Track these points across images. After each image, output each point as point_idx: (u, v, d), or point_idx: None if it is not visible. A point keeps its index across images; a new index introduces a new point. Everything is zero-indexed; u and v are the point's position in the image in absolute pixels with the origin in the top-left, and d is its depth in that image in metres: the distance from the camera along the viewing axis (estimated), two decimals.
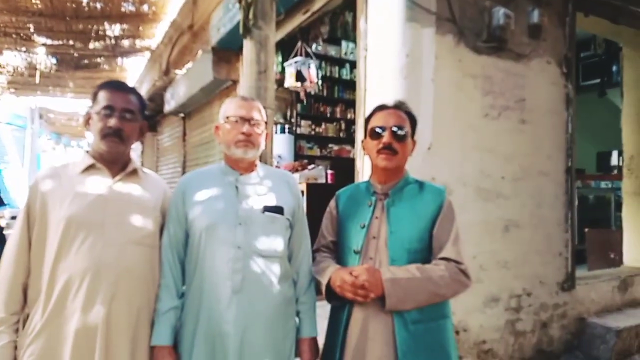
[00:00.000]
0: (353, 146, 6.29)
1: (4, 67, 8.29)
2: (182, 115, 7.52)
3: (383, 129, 1.54)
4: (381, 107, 1.62)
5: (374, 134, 1.56)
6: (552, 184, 3.40)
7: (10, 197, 11.03)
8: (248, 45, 2.80)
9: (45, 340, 1.38)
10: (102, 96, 1.51)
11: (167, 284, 1.52)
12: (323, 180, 4.62)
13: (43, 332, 1.38)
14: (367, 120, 1.63)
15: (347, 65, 6.71)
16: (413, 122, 1.62)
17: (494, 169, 3.07)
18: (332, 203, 1.73)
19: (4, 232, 7.76)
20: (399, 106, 1.61)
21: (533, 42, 3.23)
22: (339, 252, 1.64)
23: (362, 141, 1.66)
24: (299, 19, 3.91)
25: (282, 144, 5.75)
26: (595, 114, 6.64)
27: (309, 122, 6.47)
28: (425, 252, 1.50)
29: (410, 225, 1.51)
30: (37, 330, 1.38)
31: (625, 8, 3.76)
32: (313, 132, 6.48)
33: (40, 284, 1.41)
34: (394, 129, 1.53)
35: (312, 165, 4.92)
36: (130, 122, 1.53)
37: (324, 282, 1.54)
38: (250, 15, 2.69)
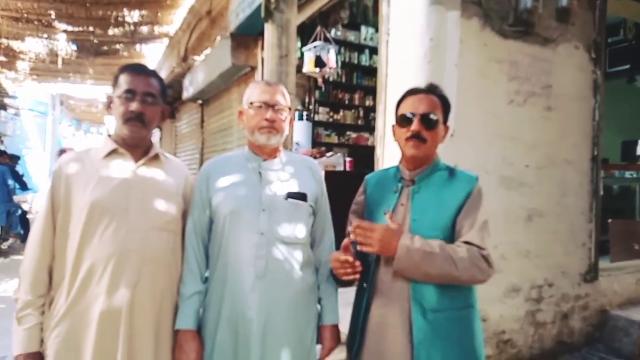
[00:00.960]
0: (371, 134, 6.25)
1: (26, 54, 8.42)
2: (200, 102, 7.56)
3: (413, 115, 1.47)
4: (412, 92, 1.54)
5: (403, 120, 1.50)
6: (577, 172, 3.32)
7: (32, 182, 11.29)
8: (269, 29, 2.77)
9: (70, 322, 1.40)
10: (124, 80, 1.50)
11: (191, 268, 1.53)
12: (341, 168, 4.59)
13: (68, 315, 1.40)
14: (398, 105, 1.57)
15: (367, 51, 6.60)
16: (446, 106, 1.54)
17: (518, 157, 3.01)
18: (360, 188, 1.69)
19: (27, 216, 7.95)
20: (432, 90, 1.53)
21: (561, 26, 3.12)
22: None
23: (393, 126, 1.60)
24: (319, 3, 3.86)
25: (300, 131, 5.72)
26: (622, 101, 6.44)
27: (327, 109, 6.41)
28: (448, 241, 1.44)
29: (434, 213, 1.46)
30: (62, 313, 1.40)
31: None
32: (331, 119, 6.43)
33: (64, 268, 1.43)
34: (424, 115, 1.46)
35: (331, 153, 4.89)
36: (152, 105, 1.51)
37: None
38: None
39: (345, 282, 1.48)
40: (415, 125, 1.46)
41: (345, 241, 1.43)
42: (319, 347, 1.62)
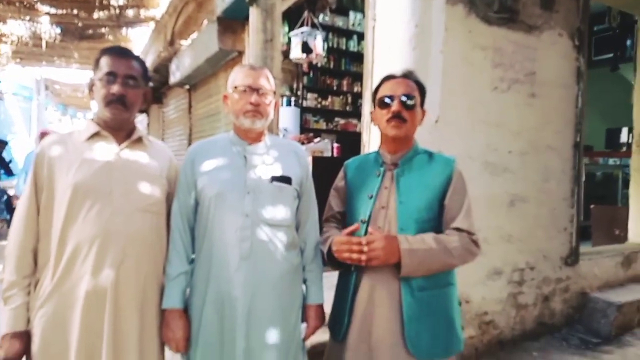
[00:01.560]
0: (359, 120, 6.27)
1: (8, 37, 8.23)
2: (187, 87, 7.47)
3: (392, 98, 1.53)
4: (389, 77, 1.60)
5: (382, 104, 1.55)
6: (560, 159, 3.39)
7: (18, 168, 11.13)
8: (254, 13, 2.75)
9: (56, 302, 1.41)
10: (104, 62, 1.50)
11: (177, 249, 1.55)
12: (329, 154, 4.62)
13: (53, 295, 1.41)
14: (376, 91, 1.62)
15: (355, 37, 6.58)
16: (422, 91, 1.60)
17: (502, 143, 3.05)
18: (340, 173, 1.74)
19: (14, 201, 7.84)
20: (408, 75, 1.60)
21: (545, 13, 3.15)
22: (346, 223, 1.64)
23: (371, 112, 1.65)
24: None
25: (288, 117, 5.72)
26: (607, 89, 6.53)
27: (315, 95, 6.40)
28: (433, 222, 1.51)
29: (419, 195, 1.51)
30: (48, 293, 1.41)
31: None
32: (319, 105, 6.42)
33: (49, 249, 1.44)
34: (403, 98, 1.52)
35: (318, 139, 4.90)
36: (134, 88, 1.52)
37: (324, 250, 1.57)
38: None
39: (341, 264, 1.53)
40: (395, 106, 1.51)
41: (354, 226, 1.48)
42: (304, 325, 1.66)
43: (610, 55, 6.30)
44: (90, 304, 1.40)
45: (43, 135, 5.00)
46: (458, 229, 1.49)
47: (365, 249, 1.40)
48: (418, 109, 1.57)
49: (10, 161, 8.65)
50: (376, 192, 1.55)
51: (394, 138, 1.55)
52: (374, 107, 1.62)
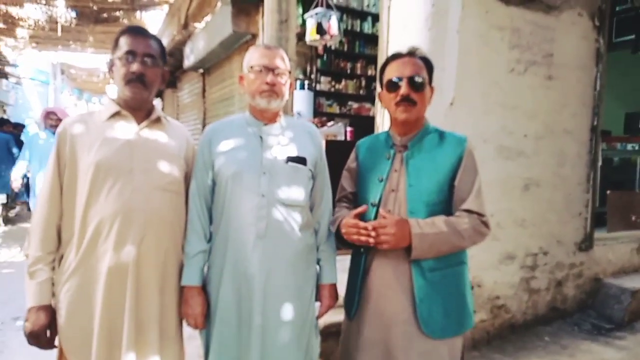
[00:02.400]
0: (373, 104, 6.22)
1: (25, 21, 8.30)
2: (201, 71, 7.49)
3: (400, 79, 1.49)
4: (395, 56, 1.56)
5: (390, 85, 1.52)
6: (576, 143, 3.34)
7: None
8: None
9: (80, 277, 1.46)
10: (124, 42, 1.52)
11: (195, 228, 1.58)
12: (342, 138, 4.61)
13: (77, 270, 1.46)
14: (382, 71, 1.59)
15: (369, 19, 6.48)
16: (429, 68, 1.56)
17: (517, 126, 3.02)
18: (352, 154, 1.73)
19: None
20: (414, 53, 1.55)
21: None
22: (357, 204, 1.64)
23: (379, 94, 1.61)
24: None
25: (301, 101, 5.70)
26: (627, 72, 6.36)
27: (329, 79, 6.36)
28: (444, 204, 1.50)
29: (429, 178, 1.50)
30: (72, 269, 1.46)
31: None
32: (333, 89, 6.38)
33: (73, 226, 1.48)
34: (411, 78, 1.48)
35: (332, 122, 4.89)
36: (152, 67, 1.54)
37: (333, 229, 1.59)
38: None
39: (351, 244, 1.54)
40: (404, 89, 1.48)
41: (361, 208, 1.49)
42: (317, 304, 1.69)
43: (632, 36, 6.12)
44: (112, 280, 1.45)
45: (48, 114, 4.90)
46: (468, 211, 1.47)
47: (373, 233, 1.41)
48: (427, 88, 1.53)
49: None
50: (386, 175, 1.54)
51: (405, 121, 1.52)
52: (382, 88, 1.59)
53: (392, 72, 1.52)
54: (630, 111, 6.64)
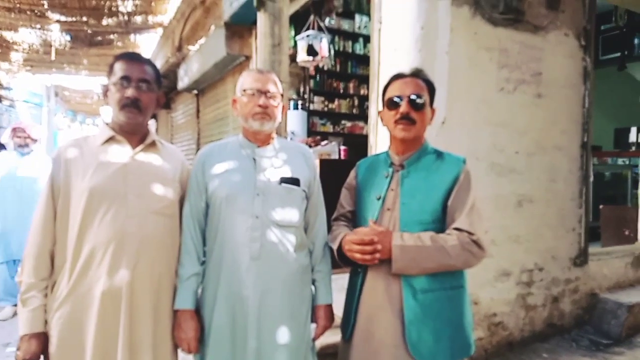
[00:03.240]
0: (366, 122, 6.27)
1: (19, 45, 8.36)
2: (195, 92, 7.55)
3: (400, 98, 1.51)
4: (398, 76, 1.58)
5: (391, 104, 1.53)
6: (567, 159, 3.38)
7: None
8: (262, 18, 2.79)
9: (72, 303, 1.45)
10: (119, 67, 1.54)
11: (188, 251, 1.58)
12: (336, 156, 4.63)
13: (70, 297, 1.45)
14: (384, 90, 1.60)
15: (361, 40, 6.60)
16: (431, 90, 1.58)
17: (508, 143, 3.06)
18: (352, 173, 1.74)
19: None
20: (417, 74, 1.57)
21: (551, 13, 3.15)
22: (355, 222, 1.65)
23: (379, 112, 1.63)
24: None
25: (295, 120, 5.75)
26: (614, 88, 6.49)
27: (322, 99, 6.43)
28: (438, 224, 1.48)
29: (423, 197, 1.49)
30: (64, 295, 1.45)
31: None
32: (326, 109, 6.45)
33: (66, 252, 1.48)
34: (412, 97, 1.50)
35: (325, 141, 4.93)
36: (147, 92, 1.55)
37: (334, 247, 1.57)
38: None
39: (350, 263, 1.53)
40: (404, 107, 1.49)
41: (368, 228, 1.48)
42: (313, 326, 1.68)
43: (618, 54, 6.26)
44: (106, 305, 1.43)
45: (15, 131, 4.02)
46: (458, 229, 1.44)
47: (379, 247, 1.41)
48: (427, 108, 1.54)
49: None
50: (384, 194, 1.55)
51: (403, 140, 1.53)
52: (383, 107, 1.60)
53: (394, 91, 1.54)
54: (619, 126, 6.75)
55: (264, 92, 1.59)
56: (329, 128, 6.40)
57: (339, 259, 1.58)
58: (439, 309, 1.46)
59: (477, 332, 2.93)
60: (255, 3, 2.79)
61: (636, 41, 5.94)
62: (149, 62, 1.61)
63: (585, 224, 3.50)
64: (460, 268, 1.49)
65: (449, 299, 1.49)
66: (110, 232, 1.45)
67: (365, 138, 3.34)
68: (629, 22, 5.91)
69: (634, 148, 6.22)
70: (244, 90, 1.61)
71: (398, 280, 1.45)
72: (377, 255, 1.42)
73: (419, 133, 1.54)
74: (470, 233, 1.44)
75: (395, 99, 1.52)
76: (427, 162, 1.56)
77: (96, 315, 1.43)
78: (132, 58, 1.57)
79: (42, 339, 1.46)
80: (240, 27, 5.02)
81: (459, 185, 1.49)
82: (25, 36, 7.91)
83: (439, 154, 1.58)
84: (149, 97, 1.56)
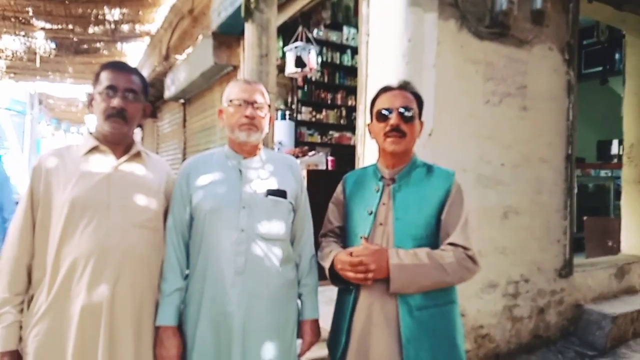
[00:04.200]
0: (354, 133, 6.29)
1: (2, 52, 8.24)
2: (182, 101, 7.51)
3: (390, 110, 1.49)
4: (386, 89, 1.57)
5: (380, 117, 1.52)
6: (552, 171, 3.42)
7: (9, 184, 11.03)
8: (249, 29, 2.79)
9: (51, 320, 1.40)
10: (105, 76, 1.50)
11: (171, 265, 1.54)
12: (324, 167, 4.63)
13: (48, 313, 1.40)
14: (373, 103, 1.59)
15: (349, 52, 6.66)
16: (420, 102, 1.57)
17: (494, 155, 3.08)
18: (339, 187, 1.70)
19: None
20: (405, 86, 1.57)
21: (536, 28, 3.21)
22: (345, 238, 1.62)
23: (368, 125, 1.62)
24: (300, 3, 3.89)
25: (282, 131, 5.75)
26: (597, 102, 6.63)
27: (310, 109, 6.45)
28: (431, 238, 1.47)
29: (417, 211, 1.48)
30: (42, 311, 1.40)
31: None
32: (314, 119, 6.46)
33: (44, 266, 1.43)
34: (401, 110, 1.49)
35: (313, 152, 4.92)
36: (134, 102, 1.52)
37: (326, 266, 1.54)
38: None
39: (342, 281, 1.49)
40: (394, 120, 1.48)
41: (361, 246, 1.45)
42: (299, 341, 1.65)
43: (600, 68, 6.41)
44: (85, 321, 1.38)
45: None
46: (453, 244, 1.44)
47: (373, 267, 1.38)
48: (416, 120, 1.54)
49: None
50: (376, 208, 1.52)
51: (393, 153, 1.52)
52: (371, 119, 1.59)
53: (383, 104, 1.53)
54: (602, 139, 6.88)
55: (250, 103, 1.57)
56: (317, 138, 6.41)
57: (330, 278, 1.55)
58: (434, 326, 1.44)
59: (464, 345, 2.92)
60: (243, 13, 2.79)
61: (617, 56, 6.09)
62: (136, 71, 1.58)
63: (570, 235, 3.54)
64: (454, 284, 1.48)
65: (443, 315, 1.48)
66: (91, 245, 1.41)
67: (352, 148, 3.35)
68: (610, 37, 6.06)
69: (616, 160, 6.34)
70: (231, 101, 1.59)
71: (394, 298, 1.42)
72: (371, 275, 1.39)
73: (408, 146, 1.53)
74: (465, 248, 1.43)
75: (385, 112, 1.51)
76: (417, 175, 1.54)
77: (75, 332, 1.38)
78: (119, 67, 1.54)
79: (16, 357, 1.41)
80: (228, 37, 5.02)
81: (452, 200, 1.48)
82: (9, 43, 7.81)
83: (429, 168, 1.57)
84: (135, 107, 1.53)
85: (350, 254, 1.42)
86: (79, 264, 1.40)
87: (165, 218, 1.60)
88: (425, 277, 1.39)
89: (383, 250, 1.41)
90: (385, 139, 1.50)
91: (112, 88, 1.49)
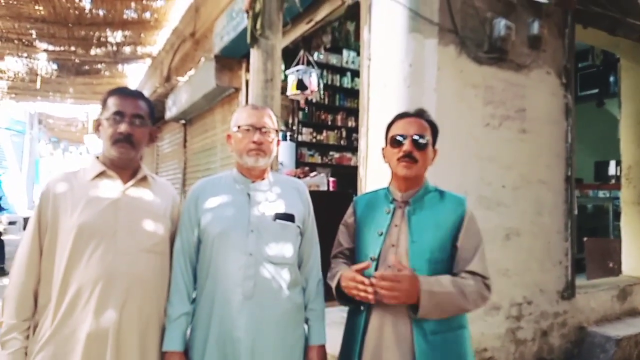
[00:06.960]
0: (354, 154, 6.34)
1: (4, 73, 8.32)
2: (183, 122, 7.55)
3: (404, 137, 1.53)
4: (402, 115, 1.61)
5: (394, 142, 1.55)
6: (552, 192, 3.44)
7: (8, 203, 11.01)
8: (255, 55, 2.84)
9: (56, 346, 1.38)
10: (112, 102, 1.53)
11: (179, 289, 1.54)
12: (325, 188, 4.63)
13: (53, 339, 1.39)
14: (388, 128, 1.63)
15: (348, 74, 6.77)
16: (434, 130, 1.60)
17: (495, 177, 3.10)
18: (349, 210, 1.73)
19: (2, 237, 7.70)
20: (421, 114, 1.60)
21: (533, 52, 3.28)
22: (355, 259, 1.62)
23: (383, 148, 1.65)
24: (302, 29, 3.96)
25: (283, 151, 5.77)
26: (593, 124, 6.71)
27: (310, 130, 6.51)
28: (445, 263, 1.49)
29: (432, 235, 1.49)
30: (47, 337, 1.39)
31: (623, 20, 3.82)
32: (314, 140, 6.51)
33: (50, 291, 1.42)
34: (415, 137, 1.52)
35: (314, 173, 4.93)
36: (140, 127, 1.54)
37: (333, 285, 1.55)
38: (258, 25, 2.74)
39: (350, 301, 1.50)
40: (407, 146, 1.51)
41: (364, 264, 1.46)
42: None
43: (595, 90, 6.51)
44: (91, 347, 1.38)
45: None
46: (472, 273, 1.46)
47: (370, 289, 1.38)
48: (430, 148, 1.56)
49: (1, 197, 8.56)
50: (386, 229, 1.54)
51: (405, 177, 1.54)
52: (386, 144, 1.62)
53: (398, 130, 1.56)
54: (599, 159, 6.93)
55: (258, 128, 1.59)
56: (317, 159, 6.45)
57: (338, 298, 1.55)
58: (447, 351, 1.45)
59: None
60: (248, 40, 2.85)
61: (612, 79, 6.19)
62: (142, 96, 1.61)
63: (572, 256, 3.53)
64: (471, 311, 1.49)
65: (455, 340, 1.49)
66: (98, 271, 1.41)
67: (352, 169, 3.37)
68: (605, 61, 6.17)
69: (613, 180, 6.38)
70: (239, 126, 1.61)
71: (407, 321, 1.43)
72: (393, 301, 1.37)
73: (420, 172, 1.56)
74: (484, 277, 1.47)
75: (399, 138, 1.54)
76: (431, 200, 1.57)
77: (80, 358, 1.37)
78: (126, 93, 1.57)
79: None
80: (230, 59, 5.09)
81: (467, 226, 1.51)
82: (11, 64, 7.89)
83: (441, 193, 1.60)
84: (142, 132, 1.55)
85: (382, 277, 1.39)
86: (85, 290, 1.40)
87: (171, 242, 1.60)
88: (450, 304, 1.41)
89: (415, 276, 1.40)
90: (398, 163, 1.53)
91: (119, 114, 1.51)
